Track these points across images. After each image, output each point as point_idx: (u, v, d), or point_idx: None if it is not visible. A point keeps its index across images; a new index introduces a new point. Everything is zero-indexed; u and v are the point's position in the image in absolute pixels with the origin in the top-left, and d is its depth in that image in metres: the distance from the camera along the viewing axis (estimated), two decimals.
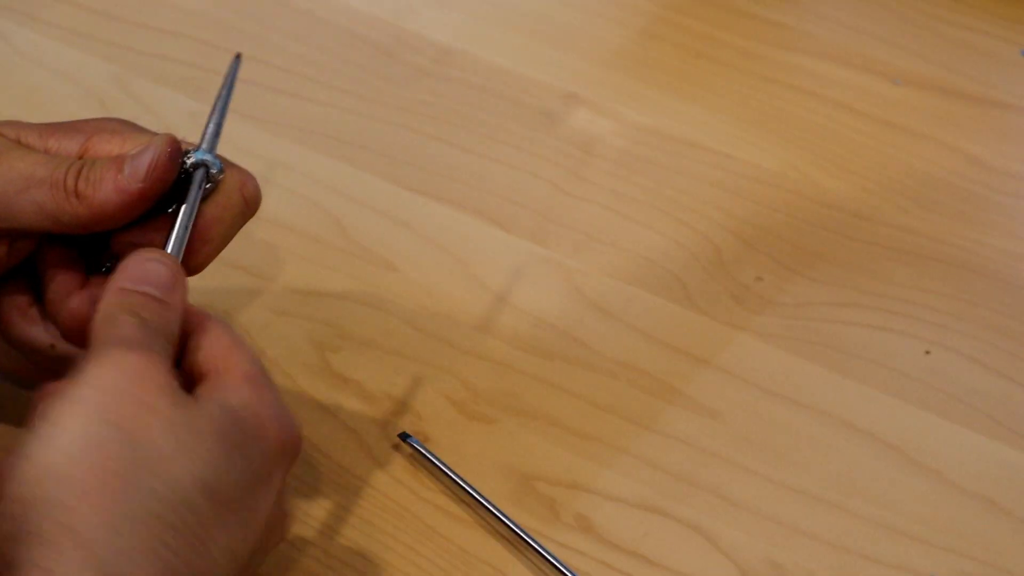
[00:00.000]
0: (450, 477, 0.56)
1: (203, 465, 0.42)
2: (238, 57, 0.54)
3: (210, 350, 0.46)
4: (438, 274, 0.65)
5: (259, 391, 0.46)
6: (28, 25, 0.78)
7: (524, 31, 0.79)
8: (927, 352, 0.63)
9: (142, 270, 0.47)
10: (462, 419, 0.59)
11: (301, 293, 0.64)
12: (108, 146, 0.50)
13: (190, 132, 0.68)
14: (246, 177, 0.51)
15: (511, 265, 0.66)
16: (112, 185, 0.48)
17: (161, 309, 0.46)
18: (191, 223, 0.49)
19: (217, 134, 0.52)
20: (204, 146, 0.51)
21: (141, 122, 0.53)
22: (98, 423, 0.42)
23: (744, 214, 0.69)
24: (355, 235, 0.67)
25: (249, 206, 0.51)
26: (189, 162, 0.50)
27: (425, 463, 0.57)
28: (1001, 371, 0.62)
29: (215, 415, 0.44)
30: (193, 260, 0.50)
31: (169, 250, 0.49)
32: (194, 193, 0.50)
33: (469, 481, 0.55)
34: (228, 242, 0.51)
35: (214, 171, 0.50)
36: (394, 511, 0.55)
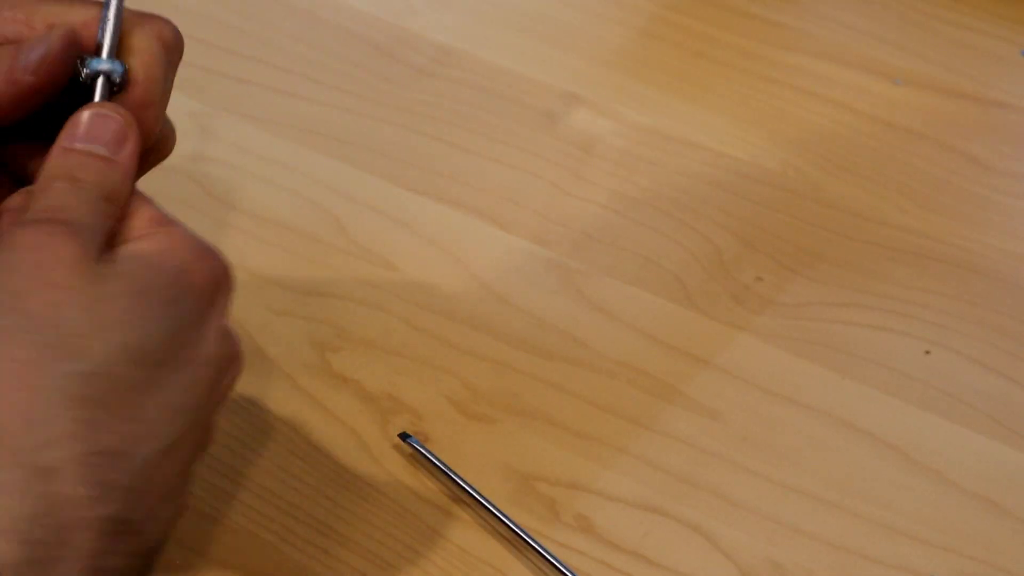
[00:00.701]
0: (450, 477, 0.56)
1: (125, 332, 0.41)
2: None
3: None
4: (438, 274, 0.65)
5: (170, 232, 0.44)
6: None
7: (524, 31, 0.79)
8: (927, 352, 0.63)
9: (87, 126, 0.45)
10: (462, 419, 0.59)
11: (301, 293, 0.64)
12: (11, 26, 0.47)
13: (191, 133, 0.69)
14: (160, 26, 0.48)
15: (511, 265, 0.66)
16: (4, 77, 0.45)
17: (105, 167, 0.44)
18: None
19: (116, 33, 0.46)
20: (103, 53, 0.46)
21: None
22: (5, 313, 0.40)
23: (744, 214, 0.69)
24: (355, 235, 0.67)
25: (172, 51, 0.48)
26: (84, 73, 0.46)
27: (425, 463, 0.56)
28: (1001, 371, 0.62)
29: (133, 273, 0.42)
30: (142, 128, 0.46)
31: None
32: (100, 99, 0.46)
33: (469, 481, 0.55)
34: (168, 96, 0.48)
35: (117, 78, 0.46)
36: (394, 511, 0.55)
